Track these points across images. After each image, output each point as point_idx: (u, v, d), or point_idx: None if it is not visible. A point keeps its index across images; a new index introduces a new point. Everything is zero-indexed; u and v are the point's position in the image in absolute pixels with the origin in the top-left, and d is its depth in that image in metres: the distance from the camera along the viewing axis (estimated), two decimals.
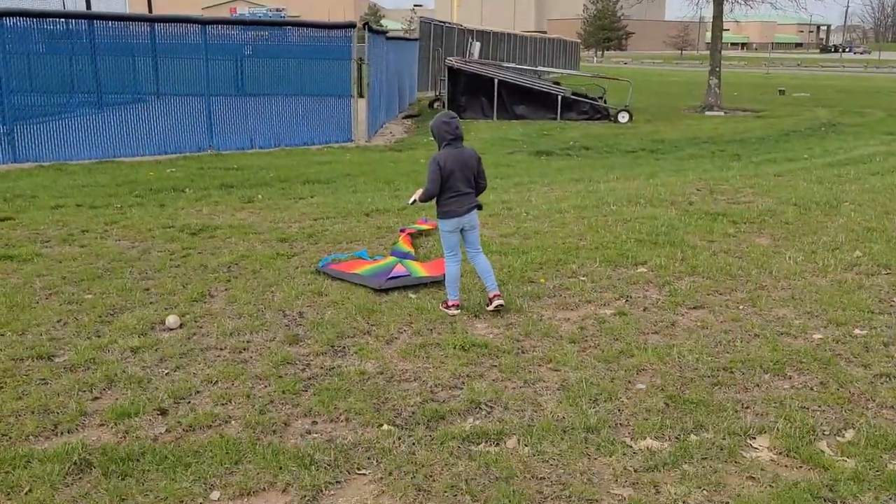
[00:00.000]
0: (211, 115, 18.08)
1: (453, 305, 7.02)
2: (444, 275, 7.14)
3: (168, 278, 8.02)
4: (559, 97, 28.31)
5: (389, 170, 16.14)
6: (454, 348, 6.20)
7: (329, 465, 4.49)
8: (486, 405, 5.27)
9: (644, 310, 7.21)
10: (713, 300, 7.48)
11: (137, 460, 4.47)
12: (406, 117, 29.34)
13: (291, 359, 6.03)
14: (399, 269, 8.00)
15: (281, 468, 4.43)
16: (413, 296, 7.55)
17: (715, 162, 18.29)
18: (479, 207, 6.99)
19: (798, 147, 21.10)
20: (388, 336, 6.53)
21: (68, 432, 4.86)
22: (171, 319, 6.60)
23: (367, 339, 6.45)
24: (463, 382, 5.64)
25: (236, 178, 14.55)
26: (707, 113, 32.52)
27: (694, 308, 7.28)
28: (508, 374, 5.78)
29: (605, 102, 29.42)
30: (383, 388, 5.55)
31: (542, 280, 8.05)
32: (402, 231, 9.80)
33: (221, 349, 6.24)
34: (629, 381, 5.66)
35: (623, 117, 28.01)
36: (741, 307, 7.29)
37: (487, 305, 7.06)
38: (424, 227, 9.89)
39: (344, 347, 6.31)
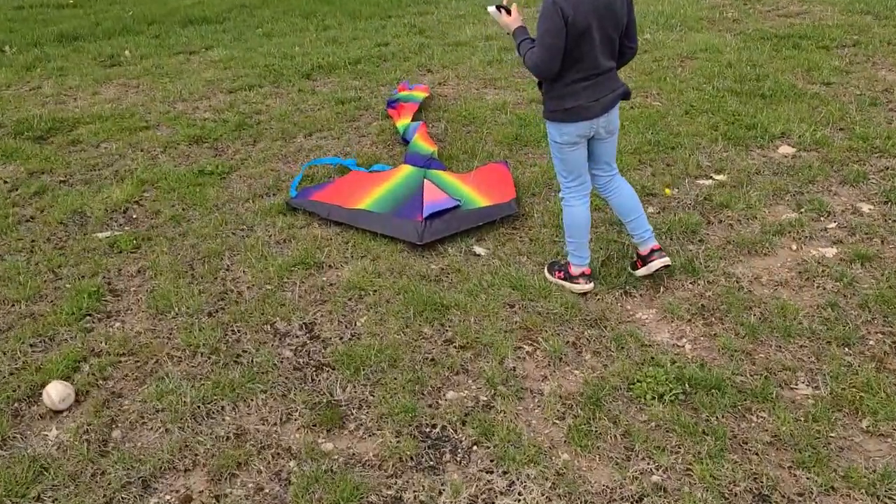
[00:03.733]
0: None
1: (580, 275, 3.81)
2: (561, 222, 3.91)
3: (12, 268, 4.36)
4: None
5: None
6: (657, 399, 3.13)
7: None
8: None
9: (867, 238, 4.26)
10: None
11: None
12: None
13: None
14: (434, 194, 4.61)
15: None
16: (481, 251, 4.26)
17: None
18: (627, 95, 3.64)
19: None
20: (491, 371, 3.34)
21: None
22: (55, 392, 3.14)
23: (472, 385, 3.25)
24: None
25: (79, 21, 10.07)
26: None
27: None
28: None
29: None
30: None
31: (667, 190, 4.88)
32: (390, 107, 6.25)
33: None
34: None
35: None
36: None
37: (636, 267, 3.92)
38: (420, 94, 6.34)
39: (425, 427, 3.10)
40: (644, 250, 3.86)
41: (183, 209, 4.84)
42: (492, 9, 3.61)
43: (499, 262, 4.17)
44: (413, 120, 5.94)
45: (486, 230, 4.48)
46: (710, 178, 5.10)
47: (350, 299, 3.87)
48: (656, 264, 3.83)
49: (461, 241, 4.38)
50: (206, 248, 4.35)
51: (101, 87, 7.29)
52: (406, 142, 5.62)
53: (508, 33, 3.60)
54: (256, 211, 4.78)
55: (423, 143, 5.37)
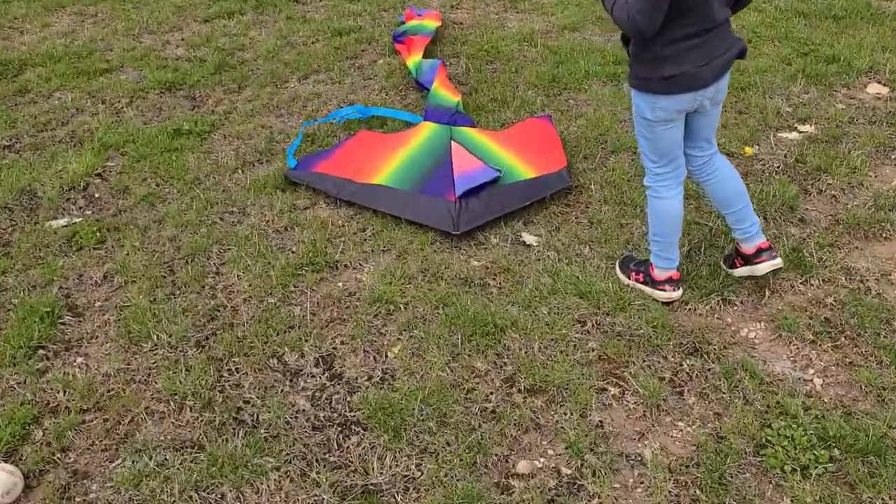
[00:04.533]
0: None
1: (666, 280, 2.98)
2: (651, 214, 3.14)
3: None
4: None
5: None
6: (799, 472, 2.42)
7: None
8: None
9: None
10: None
11: None
12: None
13: None
14: (466, 162, 3.73)
15: None
16: (531, 240, 3.42)
17: None
18: (743, 53, 2.71)
19: None
20: (573, 429, 2.58)
21: None
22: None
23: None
24: None
25: None
26: None
27: None
28: None
29: None
30: None
31: (747, 149, 4.01)
32: (398, 41, 5.25)
33: None
34: None
35: None
36: None
37: (734, 265, 3.10)
38: (431, 23, 5.34)
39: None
40: (749, 248, 3.03)
41: (157, 185, 3.92)
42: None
43: (555, 256, 3.33)
44: (425, 56, 4.97)
45: (534, 207, 3.63)
46: (796, 129, 4.22)
47: (376, 316, 3.04)
48: (765, 267, 3.00)
49: (505, 226, 3.53)
50: (189, 242, 3.48)
51: (52, 18, 6.19)
52: (420, 85, 4.67)
53: (622, 21, 2.57)
54: (248, 186, 3.87)
55: (444, 92, 4.42)
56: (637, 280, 3.11)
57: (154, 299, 3.15)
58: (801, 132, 4.19)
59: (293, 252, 3.41)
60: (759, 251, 3.00)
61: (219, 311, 3.09)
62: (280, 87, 4.89)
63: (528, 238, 3.47)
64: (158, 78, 4.96)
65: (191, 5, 6.24)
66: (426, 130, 4.07)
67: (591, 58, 5.05)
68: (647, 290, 3.07)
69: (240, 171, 4.02)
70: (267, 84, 4.92)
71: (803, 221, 3.50)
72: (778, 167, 3.89)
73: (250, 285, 3.21)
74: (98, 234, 3.55)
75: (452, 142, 3.92)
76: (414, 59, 4.83)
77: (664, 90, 2.63)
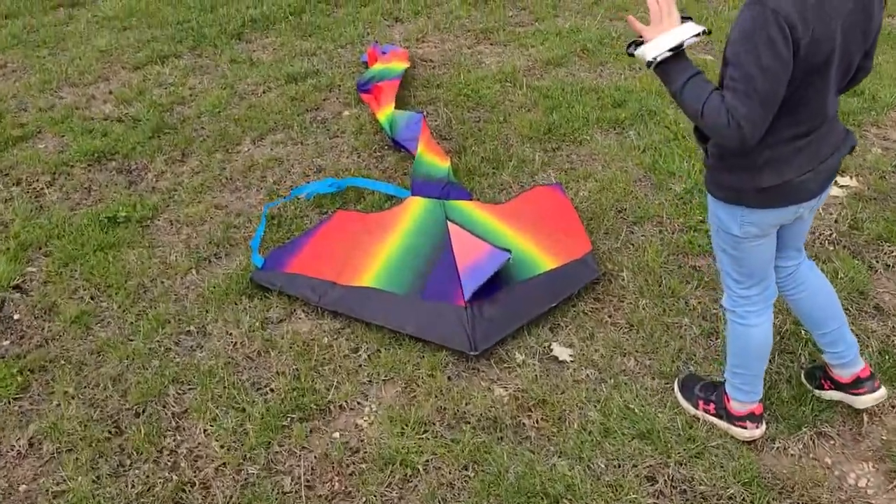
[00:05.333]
0: None
1: (747, 415, 2.38)
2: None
3: None
4: None
5: None
6: None
7: None
8: None
9: None
10: None
11: None
12: None
13: None
14: (469, 247, 3.10)
15: None
16: (564, 354, 2.80)
17: None
18: (852, 148, 2.11)
19: None
20: None
21: None
22: None
23: None
24: None
25: None
26: None
27: None
28: None
29: None
30: None
31: None
32: (363, 90, 4.58)
33: None
34: None
35: None
36: None
37: (823, 387, 2.57)
38: (398, 64, 4.66)
39: None
40: (844, 376, 2.46)
41: (92, 297, 3.18)
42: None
43: (596, 375, 2.72)
44: (397, 104, 4.30)
45: (559, 305, 3.00)
46: (836, 183, 3.69)
47: (389, 486, 2.38)
48: (867, 401, 2.44)
49: (528, 334, 2.90)
50: (138, 384, 2.75)
51: None
52: (398, 145, 4.01)
53: (648, 65, 1.96)
54: (206, 293, 3.16)
55: (431, 158, 3.77)
56: (707, 410, 2.51)
57: (98, 478, 2.43)
58: (843, 187, 3.67)
59: (272, 391, 2.72)
60: (858, 381, 2.44)
61: (185, 491, 2.38)
62: (232, 152, 4.17)
63: (560, 351, 2.84)
64: (84, 147, 4.18)
65: (116, 49, 5.44)
66: (415, 209, 3.42)
67: (586, 100, 4.46)
68: (723, 425, 2.48)
69: (194, 272, 3.30)
70: (216, 149, 4.18)
71: (880, 311, 2.96)
72: (831, 236, 3.35)
73: (222, 446, 2.51)
74: (19, 376, 2.80)
75: (449, 223, 3.27)
76: (386, 112, 4.16)
77: (761, 203, 2.03)
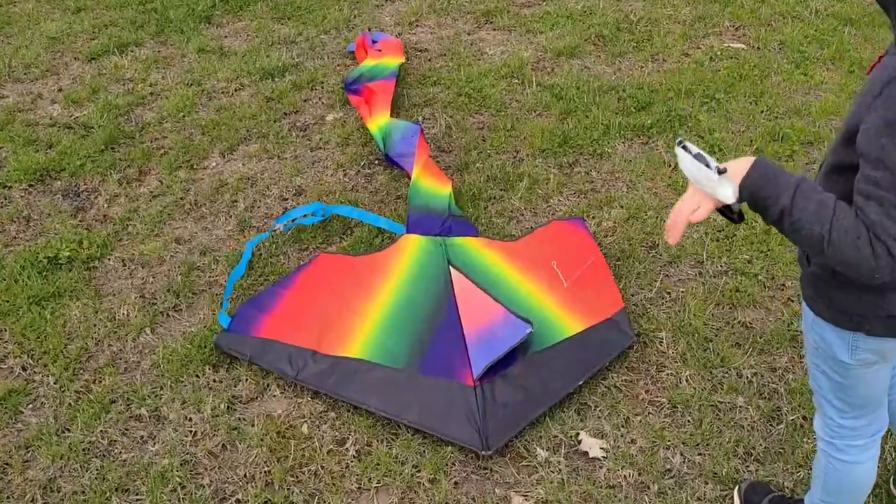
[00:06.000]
0: None
1: None
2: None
3: None
4: None
5: None
6: None
7: None
8: None
9: None
10: None
11: None
12: None
13: None
14: (477, 309, 2.60)
15: None
16: (596, 447, 2.27)
17: None
18: None
19: None
20: None
21: None
22: None
23: None
24: None
25: None
26: None
27: None
28: None
29: None
30: None
31: None
32: (351, 91, 3.99)
33: None
34: None
35: None
36: None
37: None
38: (392, 60, 4.06)
39: None
40: None
41: (24, 369, 2.64)
42: (687, 157, 1.41)
43: (637, 480, 2.22)
44: (392, 108, 3.73)
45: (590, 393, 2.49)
46: None
47: None
48: None
49: (550, 418, 2.39)
50: (74, 497, 2.23)
51: None
52: (392, 162, 3.46)
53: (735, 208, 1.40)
54: (161, 365, 2.63)
55: (429, 183, 3.22)
56: None
57: None
58: None
59: (243, 498, 2.20)
60: None
61: None
62: (197, 169, 3.60)
63: (590, 444, 2.33)
64: (26, 163, 3.60)
65: (69, 35, 4.80)
66: (412, 252, 2.88)
67: (605, 102, 3.89)
68: None
69: (148, 331, 2.76)
70: (179, 164, 3.61)
71: None
72: None
73: None
74: None
75: (453, 272, 2.74)
76: (379, 123, 3.59)
77: (887, 331, 1.49)
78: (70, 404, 2.50)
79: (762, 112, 3.77)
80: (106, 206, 3.39)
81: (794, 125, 3.64)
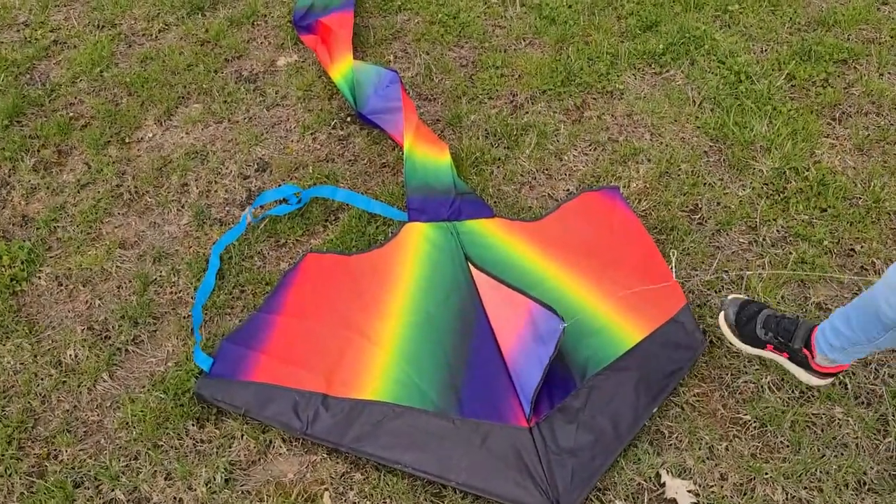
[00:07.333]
0: None
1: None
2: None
3: None
4: None
5: None
6: None
7: None
8: None
9: None
10: None
11: None
12: None
13: None
14: (506, 307, 2.17)
15: None
16: (684, 492, 1.90)
17: None
18: None
19: None
20: None
21: None
22: None
23: None
24: None
25: None
26: None
27: None
28: None
29: None
30: None
31: None
32: (302, 29, 3.31)
33: None
34: None
35: None
36: None
37: None
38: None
39: None
40: None
41: None
42: None
43: None
44: (355, 48, 3.11)
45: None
46: None
47: None
48: None
49: (621, 458, 2.00)
50: None
51: None
52: (365, 120, 2.87)
53: None
54: (131, 424, 2.11)
55: (425, 151, 2.66)
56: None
57: None
58: None
59: None
60: None
61: None
62: (130, 143, 2.94)
63: (676, 489, 1.96)
64: None
65: None
66: (417, 245, 2.38)
67: (604, 22, 3.34)
68: (791, 368, 1.78)
69: (105, 377, 2.23)
70: (107, 139, 2.94)
71: None
72: None
73: None
74: None
75: (473, 270, 2.25)
76: (342, 69, 2.97)
77: None
78: (22, 496, 1.97)
79: (784, 25, 3.28)
80: (23, 203, 2.73)
81: (823, 40, 3.18)
